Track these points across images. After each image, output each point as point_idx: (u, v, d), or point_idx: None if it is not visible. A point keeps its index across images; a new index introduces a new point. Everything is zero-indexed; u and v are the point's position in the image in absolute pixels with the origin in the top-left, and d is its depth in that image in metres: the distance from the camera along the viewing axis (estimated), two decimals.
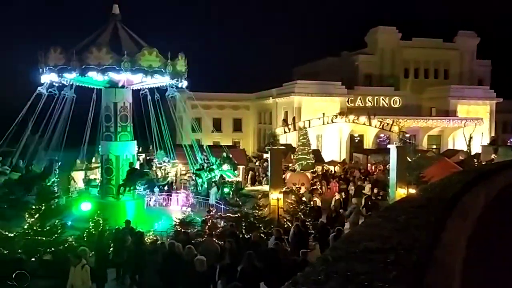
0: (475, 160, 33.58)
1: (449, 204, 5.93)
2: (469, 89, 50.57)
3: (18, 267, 12.56)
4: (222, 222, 17.69)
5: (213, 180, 23.45)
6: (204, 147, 25.59)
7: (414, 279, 3.04)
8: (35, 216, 14.97)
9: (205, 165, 23.87)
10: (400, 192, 21.13)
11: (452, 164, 27.74)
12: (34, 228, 14.81)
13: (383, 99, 49.59)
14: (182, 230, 16.17)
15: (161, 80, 20.40)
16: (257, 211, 18.34)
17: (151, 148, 28.07)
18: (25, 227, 15.06)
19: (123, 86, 20.57)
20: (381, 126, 42.01)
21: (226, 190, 22.94)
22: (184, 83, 21.15)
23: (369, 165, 38.08)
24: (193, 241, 14.26)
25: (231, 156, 24.74)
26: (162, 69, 19.16)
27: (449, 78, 56.30)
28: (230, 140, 51.99)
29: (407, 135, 25.67)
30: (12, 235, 15.11)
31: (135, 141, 21.87)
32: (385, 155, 30.70)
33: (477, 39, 58.54)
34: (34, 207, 15.36)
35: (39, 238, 14.63)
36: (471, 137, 40.59)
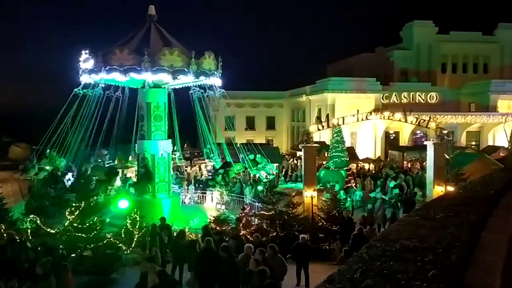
0: None
1: (491, 203, 5.76)
2: (510, 83, 48.67)
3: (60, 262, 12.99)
4: (256, 220, 17.75)
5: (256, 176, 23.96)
6: (238, 145, 25.82)
7: (453, 279, 2.97)
8: (75, 214, 15.46)
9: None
10: (438, 190, 20.65)
11: (492, 161, 26.89)
12: (75, 225, 15.30)
13: (419, 95, 48.53)
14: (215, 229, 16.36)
15: (213, 82, 20.97)
16: (291, 209, 18.30)
17: (185, 146, 28.50)
18: (66, 224, 15.57)
19: (157, 86, 20.91)
20: (417, 123, 41.01)
21: (260, 188, 23.01)
22: (217, 82, 21.31)
23: (405, 162, 37.39)
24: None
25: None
26: (215, 72, 20.18)
27: (488, 73, 54.41)
28: (264, 138, 52.09)
29: (445, 132, 24.94)
30: (54, 231, 15.67)
31: (170, 140, 22.21)
32: (422, 152, 30.04)
33: None
34: (74, 204, 15.85)
35: (79, 234, 15.10)
36: None
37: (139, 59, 18.63)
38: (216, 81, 20.89)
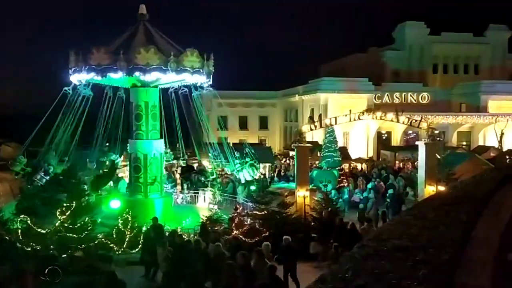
0: (507, 157, 32.65)
1: (481, 202, 5.80)
2: (501, 84, 49.13)
3: (50, 262, 12.90)
4: (249, 219, 17.74)
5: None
6: (226, 145, 25.68)
7: (444, 278, 2.99)
8: (67, 214, 15.35)
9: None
10: (429, 190, 20.76)
11: (483, 161, 27.11)
12: (66, 225, 15.19)
13: (411, 95, 48.83)
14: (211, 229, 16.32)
15: (199, 80, 20.73)
16: (283, 209, 18.31)
17: (177, 146, 28.37)
18: (57, 224, 15.46)
19: (151, 86, 20.75)
20: (409, 123, 41.25)
21: (252, 187, 22.98)
22: (203, 80, 21.20)
23: (397, 162, 37.56)
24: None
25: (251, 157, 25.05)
26: (201, 69, 19.80)
27: (479, 73, 54.91)
28: (257, 138, 52.10)
29: (436, 132, 25.10)
30: (45, 232, 15.55)
31: (163, 140, 22.09)
32: (414, 152, 30.21)
33: (509, 33, 56.77)
34: (65, 204, 15.73)
35: (70, 235, 15.00)
36: (502, 133, 39.54)
37: (114, 58, 18.54)
38: (202, 79, 20.65)
